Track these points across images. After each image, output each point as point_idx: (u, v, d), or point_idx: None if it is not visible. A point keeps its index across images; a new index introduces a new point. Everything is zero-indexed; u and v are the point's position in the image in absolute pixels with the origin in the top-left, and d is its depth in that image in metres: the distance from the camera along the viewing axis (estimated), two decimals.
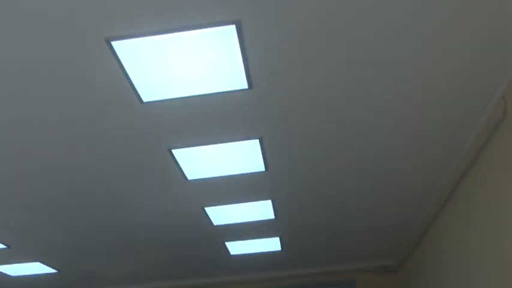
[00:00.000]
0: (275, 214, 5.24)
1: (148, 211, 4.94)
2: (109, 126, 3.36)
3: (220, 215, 5.13)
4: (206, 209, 4.93)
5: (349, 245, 6.66)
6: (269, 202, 4.88)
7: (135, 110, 3.20)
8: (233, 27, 2.49)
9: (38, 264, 6.18)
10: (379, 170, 4.39)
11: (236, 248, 6.28)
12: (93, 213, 4.87)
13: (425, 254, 6.07)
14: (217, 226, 5.46)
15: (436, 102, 3.34)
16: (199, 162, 3.97)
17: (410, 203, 5.21)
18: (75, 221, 5.04)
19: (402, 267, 7.30)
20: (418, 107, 3.39)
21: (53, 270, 6.51)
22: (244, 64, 2.77)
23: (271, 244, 6.24)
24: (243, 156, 3.93)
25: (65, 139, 3.49)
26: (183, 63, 2.75)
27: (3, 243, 5.45)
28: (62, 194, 4.36)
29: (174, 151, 3.76)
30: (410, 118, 3.54)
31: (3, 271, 6.38)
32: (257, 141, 3.70)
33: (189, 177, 4.22)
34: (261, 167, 4.14)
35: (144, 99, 3.05)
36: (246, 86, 2.99)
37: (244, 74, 2.87)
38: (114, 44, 2.55)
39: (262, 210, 5.09)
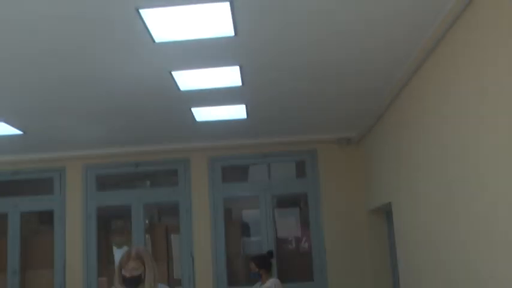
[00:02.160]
0: (242, 81, 5.23)
1: (114, 75, 4.87)
2: None
3: (187, 80, 5.10)
4: (173, 73, 4.88)
5: (312, 116, 6.77)
6: (237, 68, 4.86)
7: None
8: None
9: (3, 124, 6.14)
10: (351, 42, 4.38)
11: (202, 114, 6.32)
12: (57, 73, 4.78)
13: (389, 127, 6.23)
14: (184, 91, 5.45)
15: None
16: (167, 24, 3.87)
17: (379, 72, 5.27)
18: (39, 81, 4.95)
19: (364, 140, 7.51)
20: None
21: (19, 132, 6.49)
22: None
23: (237, 112, 6.30)
24: (212, 20, 3.84)
25: None
26: None
27: None
28: (26, 51, 4.25)
29: (141, 11, 3.64)
30: None
31: None
32: (227, 3, 3.60)
33: (157, 40, 4.13)
34: (230, 32, 4.07)
35: None
36: None
37: None
38: None
39: (229, 76, 5.07)
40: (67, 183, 7.87)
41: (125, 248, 4.00)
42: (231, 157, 7.95)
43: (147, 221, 8.85)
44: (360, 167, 7.76)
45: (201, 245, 7.71)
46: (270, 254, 6.36)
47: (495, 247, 3.52)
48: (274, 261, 6.48)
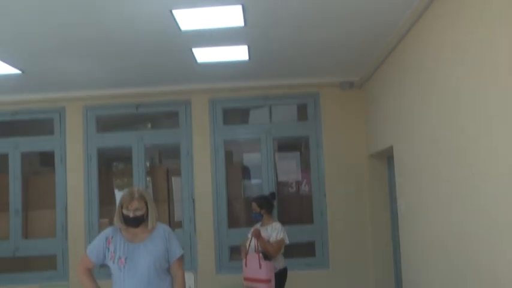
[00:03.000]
0: (245, 21, 5.11)
1: (113, 15, 4.75)
2: None
3: (189, 19, 4.97)
4: (174, 12, 4.76)
5: (315, 60, 6.67)
6: (239, 7, 4.73)
7: None
8: None
9: (1, 63, 6.04)
10: None
11: (203, 55, 6.21)
12: (57, 14, 4.67)
13: (392, 71, 6.14)
14: (185, 31, 5.32)
15: None
16: None
17: (381, 15, 5.15)
18: (39, 23, 4.84)
19: (367, 84, 7.42)
20: None
21: (17, 71, 6.40)
22: None
23: (239, 53, 6.19)
24: None
25: None
26: None
27: None
28: None
29: None
30: None
31: None
32: None
33: None
34: None
35: None
36: None
37: None
38: None
39: (232, 16, 4.94)
40: (67, 124, 7.82)
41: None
42: (232, 99, 7.87)
43: (148, 164, 8.87)
44: (362, 111, 7.69)
45: (202, 187, 7.73)
46: (272, 195, 6.40)
47: (500, 183, 3.51)
48: (275, 203, 6.51)
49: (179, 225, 8.04)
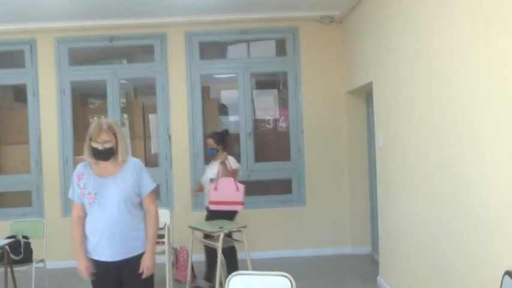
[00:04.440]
0: None
1: None
2: None
3: None
4: None
5: None
6: None
7: None
8: None
9: None
10: None
11: None
12: None
13: (373, 5, 5.99)
14: None
15: None
16: None
17: None
18: None
19: (348, 19, 7.25)
20: None
21: None
22: None
23: None
24: None
25: None
26: None
27: None
28: None
29: None
30: None
31: None
32: None
33: None
34: None
35: None
36: None
37: None
38: None
39: None
40: (38, 56, 7.56)
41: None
42: (209, 33, 7.66)
43: (123, 100, 8.71)
44: (342, 47, 7.54)
45: (178, 123, 7.61)
46: (226, 132, 6.52)
47: (479, 124, 3.47)
48: (229, 140, 6.61)
49: (155, 162, 7.96)
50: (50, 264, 6.45)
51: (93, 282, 3.82)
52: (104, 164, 3.75)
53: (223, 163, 6.11)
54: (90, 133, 3.70)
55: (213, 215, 6.10)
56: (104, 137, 3.65)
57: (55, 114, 7.57)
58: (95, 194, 3.68)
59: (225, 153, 6.24)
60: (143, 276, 3.72)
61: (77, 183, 3.75)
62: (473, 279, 3.57)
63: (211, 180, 6.14)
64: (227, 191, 6.05)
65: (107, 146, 3.67)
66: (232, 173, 6.17)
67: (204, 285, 6.09)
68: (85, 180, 3.73)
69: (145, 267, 3.71)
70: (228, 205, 6.03)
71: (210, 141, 6.28)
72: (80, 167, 3.83)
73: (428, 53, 4.30)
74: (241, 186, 6.09)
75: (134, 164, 3.81)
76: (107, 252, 3.68)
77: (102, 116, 8.36)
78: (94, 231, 3.71)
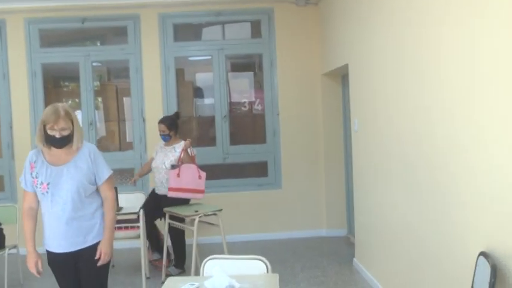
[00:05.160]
0: None
1: None
2: None
3: None
4: None
5: None
6: None
7: None
8: None
9: None
10: None
11: None
12: None
13: None
14: None
15: None
16: None
17: None
18: None
19: (323, 0, 7.21)
20: None
21: None
22: None
23: None
24: None
25: None
26: None
27: None
28: None
29: None
30: None
31: None
32: None
33: None
34: None
35: None
36: None
37: None
38: None
39: None
40: (8, 37, 7.37)
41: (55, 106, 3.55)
42: (184, 14, 7.55)
43: (97, 82, 8.56)
44: (317, 28, 7.50)
45: (153, 106, 7.51)
46: (177, 115, 6.43)
47: (451, 106, 3.46)
48: (181, 123, 6.55)
49: (130, 145, 7.87)
50: (23, 250, 6.33)
51: (54, 274, 3.68)
52: (57, 152, 3.55)
53: (185, 150, 6.02)
54: (45, 119, 3.46)
55: (165, 202, 5.98)
56: (62, 124, 3.44)
57: (26, 97, 7.41)
58: (48, 184, 3.49)
59: (178, 139, 6.18)
60: (99, 263, 3.55)
61: (29, 171, 3.54)
62: (449, 261, 3.59)
63: (173, 166, 5.99)
64: (191, 179, 5.94)
65: (64, 133, 3.47)
66: (193, 159, 6.11)
67: (174, 272, 6.01)
68: (38, 169, 3.53)
69: (102, 253, 3.55)
70: (190, 192, 5.94)
71: (162, 127, 6.14)
72: (31, 154, 3.60)
73: (404, 35, 4.28)
74: (203, 174, 5.99)
75: (89, 150, 3.61)
76: (63, 243, 3.54)
77: (76, 100, 8.25)
78: (49, 222, 3.55)
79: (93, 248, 3.56)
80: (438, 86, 3.66)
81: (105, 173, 3.63)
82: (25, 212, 3.58)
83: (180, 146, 6.09)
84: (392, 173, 4.71)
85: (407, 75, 4.23)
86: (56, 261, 3.61)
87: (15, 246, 5.81)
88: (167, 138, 6.15)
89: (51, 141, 3.48)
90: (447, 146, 3.55)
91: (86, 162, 3.56)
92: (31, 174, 3.53)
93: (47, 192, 3.49)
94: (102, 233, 3.59)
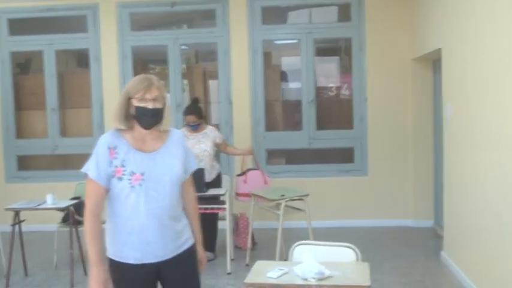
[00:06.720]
0: None
1: None
2: None
3: None
4: None
5: None
6: None
7: None
8: None
9: None
10: None
11: None
12: None
13: None
14: None
15: None
16: None
17: None
18: None
19: None
20: None
21: None
22: None
23: None
24: None
25: None
26: None
27: None
28: None
29: None
30: None
31: None
32: None
33: None
34: None
35: None
36: None
37: None
38: None
39: None
40: (101, 21, 7.59)
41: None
42: None
43: (184, 65, 8.68)
44: (409, 12, 7.21)
45: (240, 89, 7.53)
46: (197, 100, 6.41)
47: None
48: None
49: (216, 128, 7.91)
50: None
51: None
52: (141, 134, 2.82)
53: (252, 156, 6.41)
54: (131, 90, 2.76)
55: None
56: (156, 92, 2.75)
57: (117, 79, 7.61)
58: (142, 175, 2.74)
59: (204, 124, 6.18)
60: (201, 268, 3.06)
61: (108, 159, 2.74)
62: None
63: (239, 174, 6.30)
64: (256, 184, 6.19)
65: (158, 106, 2.76)
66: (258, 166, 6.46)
67: (211, 256, 5.89)
68: (123, 155, 2.76)
69: (203, 259, 3.08)
70: (258, 199, 5.92)
71: (192, 118, 6.02)
72: (108, 137, 2.80)
73: (506, 15, 4.02)
74: (269, 180, 6.26)
75: (179, 135, 2.98)
76: (157, 251, 2.81)
77: (163, 82, 8.37)
78: (132, 225, 2.78)
79: (185, 254, 2.92)
80: None
81: (194, 163, 3.05)
82: (90, 211, 2.78)
83: (211, 130, 6.12)
84: (486, 161, 4.46)
85: (503, 63, 3.97)
86: (136, 276, 2.84)
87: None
88: (196, 127, 6.08)
89: (141, 115, 2.74)
90: None
91: (179, 148, 2.92)
92: (111, 162, 2.74)
93: (140, 185, 2.73)
94: (190, 236, 2.98)
